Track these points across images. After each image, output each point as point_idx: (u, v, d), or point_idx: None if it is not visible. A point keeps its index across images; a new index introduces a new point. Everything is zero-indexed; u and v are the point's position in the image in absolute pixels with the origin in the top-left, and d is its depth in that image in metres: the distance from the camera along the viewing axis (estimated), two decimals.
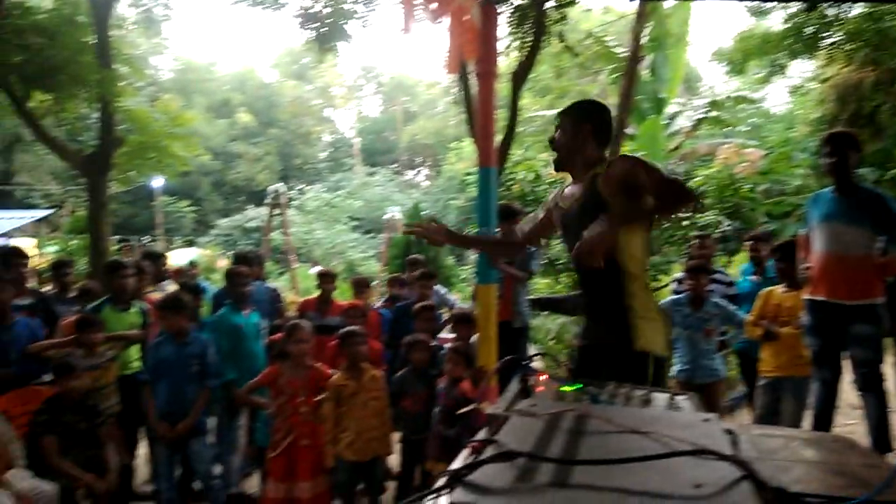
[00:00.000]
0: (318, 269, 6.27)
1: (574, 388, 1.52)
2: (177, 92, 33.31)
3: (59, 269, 5.45)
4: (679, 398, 1.49)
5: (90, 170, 6.35)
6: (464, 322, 4.85)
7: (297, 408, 4.02)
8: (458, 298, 8.89)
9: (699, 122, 13.15)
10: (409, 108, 46.48)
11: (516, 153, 10.08)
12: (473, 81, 6.41)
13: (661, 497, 0.83)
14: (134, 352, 4.94)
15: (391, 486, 4.73)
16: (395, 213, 18.09)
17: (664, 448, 0.96)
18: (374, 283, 16.50)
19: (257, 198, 31.91)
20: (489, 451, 1.01)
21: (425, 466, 4.13)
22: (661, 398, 1.48)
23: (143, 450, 5.07)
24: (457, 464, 1.17)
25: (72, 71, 5.17)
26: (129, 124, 6.87)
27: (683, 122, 13.38)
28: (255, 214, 27.89)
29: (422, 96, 46.82)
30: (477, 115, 5.13)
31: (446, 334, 5.49)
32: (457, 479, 0.91)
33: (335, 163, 42.01)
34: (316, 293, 6.05)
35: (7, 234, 16.36)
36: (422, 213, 16.71)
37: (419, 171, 45.69)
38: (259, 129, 39.85)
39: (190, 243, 26.02)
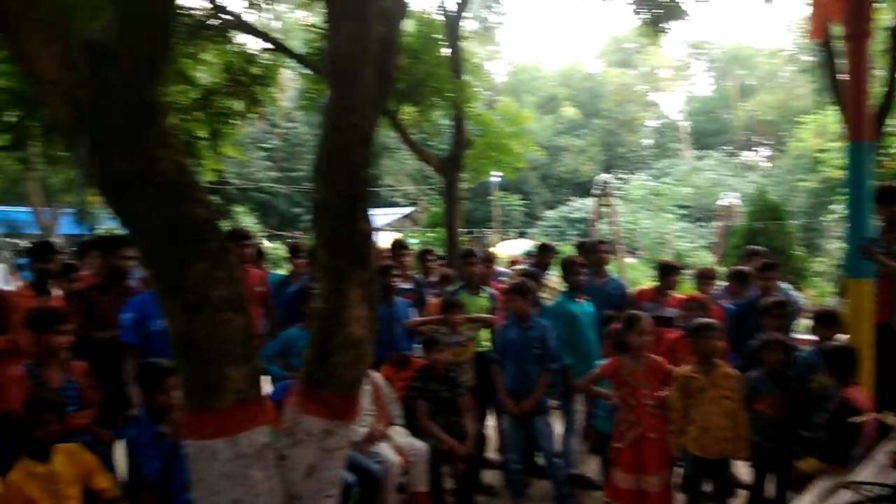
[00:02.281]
0: (661, 260, 6.09)
1: None
2: (508, 93, 35.78)
3: (423, 255, 6.27)
4: None
5: (446, 170, 7.25)
6: (828, 321, 4.25)
7: (641, 399, 3.99)
8: (805, 296, 7.75)
9: None
10: (745, 83, 42.32)
11: (893, 124, 8.39)
12: (838, 45, 5.51)
13: None
14: (484, 332, 5.45)
15: (741, 494, 4.38)
16: (731, 198, 16.64)
17: None
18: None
19: (582, 189, 32.47)
20: None
21: (799, 465, 3.67)
22: None
23: (490, 422, 5.59)
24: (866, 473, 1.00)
25: (432, 84, 5.98)
26: (476, 127, 7.62)
27: None
28: (580, 205, 28.43)
29: (761, 67, 42.20)
30: (845, 83, 4.41)
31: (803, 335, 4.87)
32: None
33: (660, 149, 40.51)
34: (650, 284, 5.92)
35: (379, 229, 19.45)
36: (766, 197, 14.97)
37: (757, 152, 41.38)
38: (583, 121, 40.49)
39: (521, 235, 27.72)
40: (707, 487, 4.08)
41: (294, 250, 5.82)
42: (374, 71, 2.26)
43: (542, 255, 6.49)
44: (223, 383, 2.06)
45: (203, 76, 5.60)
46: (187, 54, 5.29)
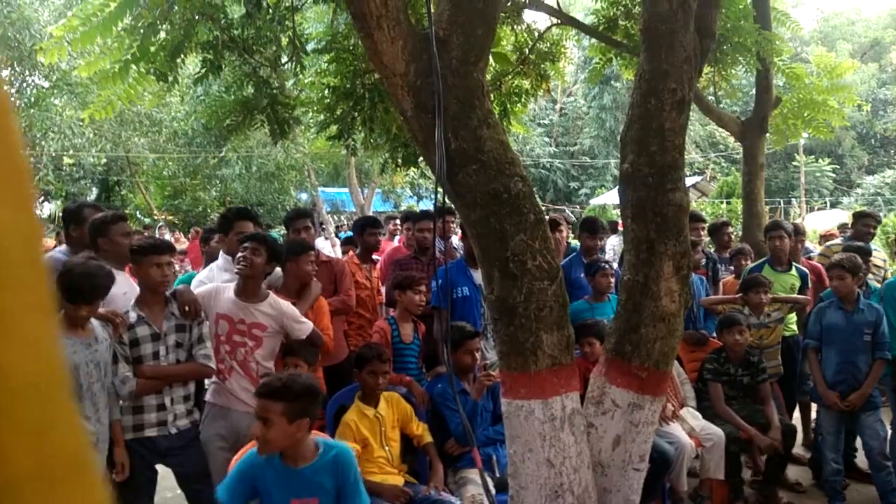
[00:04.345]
0: None
1: None
2: (819, 42, 31.08)
3: (721, 228, 5.82)
4: None
5: (746, 134, 6.58)
6: None
7: None
8: None
9: None
10: None
11: None
12: None
13: None
14: (792, 315, 4.89)
15: None
16: None
17: None
18: None
19: None
20: None
21: None
22: None
23: (798, 414, 5.03)
24: None
25: (734, 39, 5.43)
26: (786, 83, 6.76)
27: None
28: None
29: None
30: None
31: None
32: None
33: None
34: None
35: None
36: None
37: None
38: None
39: (831, 205, 24.13)
40: None
41: (553, 224, 5.85)
42: (692, 29, 2.12)
43: (862, 225, 5.56)
44: (538, 348, 2.17)
45: (503, 55, 5.85)
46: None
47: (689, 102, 2.23)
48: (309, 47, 5.38)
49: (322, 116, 5.76)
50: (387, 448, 3.32)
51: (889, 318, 4.15)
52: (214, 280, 3.68)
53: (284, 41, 5.23)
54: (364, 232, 5.03)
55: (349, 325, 4.41)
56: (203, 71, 4.84)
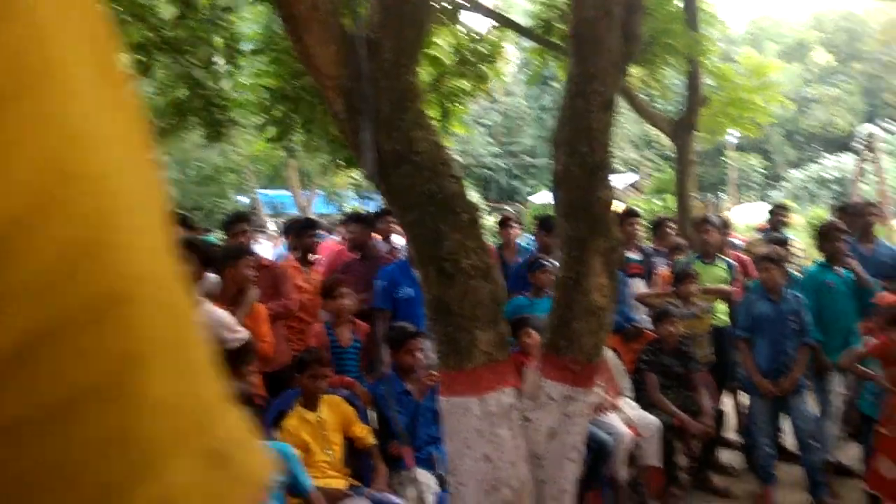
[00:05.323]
0: None
1: None
2: (747, 43, 32.37)
3: (661, 224, 6.00)
4: None
5: (677, 132, 6.83)
6: None
7: None
8: None
9: None
10: None
11: None
12: None
13: None
14: (721, 305, 5.10)
15: None
16: None
17: None
18: None
19: (835, 144, 28.44)
20: None
21: None
22: None
23: (728, 399, 5.25)
24: None
25: (664, 41, 5.63)
26: (714, 82, 7.04)
27: None
28: (834, 163, 24.96)
29: None
30: None
31: None
32: None
33: None
34: None
35: None
36: None
37: None
38: (839, 67, 35.28)
39: (761, 199, 25.18)
40: None
41: (503, 222, 5.96)
42: (618, 34, 2.20)
43: (777, 216, 6.16)
44: (473, 345, 2.21)
45: (437, 58, 5.88)
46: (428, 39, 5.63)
47: (614, 104, 2.31)
48: (246, 48, 5.30)
49: (261, 118, 5.68)
50: (329, 452, 3.31)
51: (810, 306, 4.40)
52: None
53: (219, 42, 5.13)
54: (302, 234, 5.00)
55: (290, 330, 4.36)
56: (134, 72, 4.71)
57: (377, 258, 5.00)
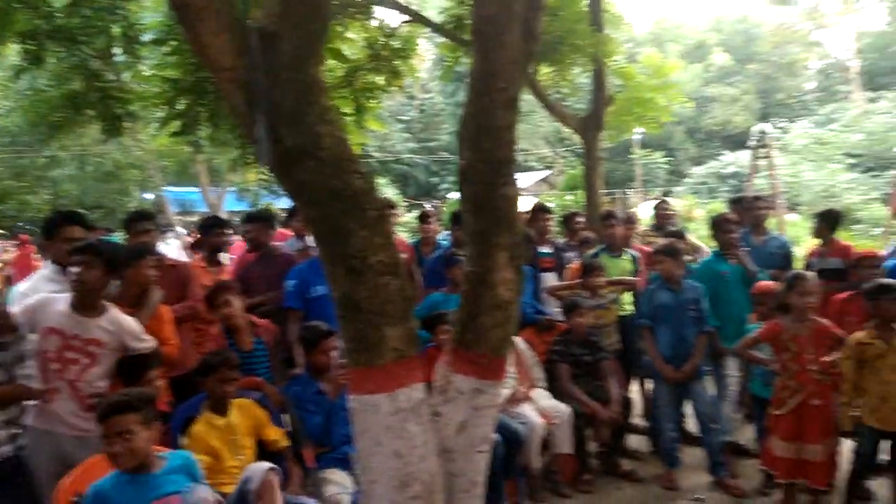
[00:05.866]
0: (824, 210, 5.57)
1: None
2: (651, 44, 33.78)
3: (570, 219, 6.18)
4: None
5: (586, 130, 7.06)
6: None
7: (804, 365, 3.73)
8: None
9: None
10: None
11: None
12: None
13: None
14: (627, 296, 5.31)
15: None
16: None
17: None
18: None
19: (733, 142, 30.16)
20: None
21: None
22: None
23: (634, 386, 5.48)
24: None
25: (571, 41, 5.81)
26: (618, 83, 7.32)
27: None
28: (732, 160, 26.49)
29: None
30: None
31: None
32: None
33: (826, 93, 36.54)
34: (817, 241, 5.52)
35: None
36: None
37: None
38: (736, 68, 37.46)
39: (665, 194, 26.42)
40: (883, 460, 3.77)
41: (423, 217, 6.00)
42: (519, 32, 2.24)
43: (660, 211, 6.60)
44: (382, 342, 2.20)
45: (347, 53, 5.81)
46: (335, 33, 5.52)
47: (517, 101, 2.35)
48: (146, 38, 5.04)
49: (163, 111, 5.42)
50: (240, 457, 3.21)
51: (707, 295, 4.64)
52: (39, 292, 3.36)
53: (118, 31, 4.86)
54: (210, 232, 4.82)
55: (197, 333, 4.19)
56: (24, 63, 4.42)
57: (277, 257, 4.89)
